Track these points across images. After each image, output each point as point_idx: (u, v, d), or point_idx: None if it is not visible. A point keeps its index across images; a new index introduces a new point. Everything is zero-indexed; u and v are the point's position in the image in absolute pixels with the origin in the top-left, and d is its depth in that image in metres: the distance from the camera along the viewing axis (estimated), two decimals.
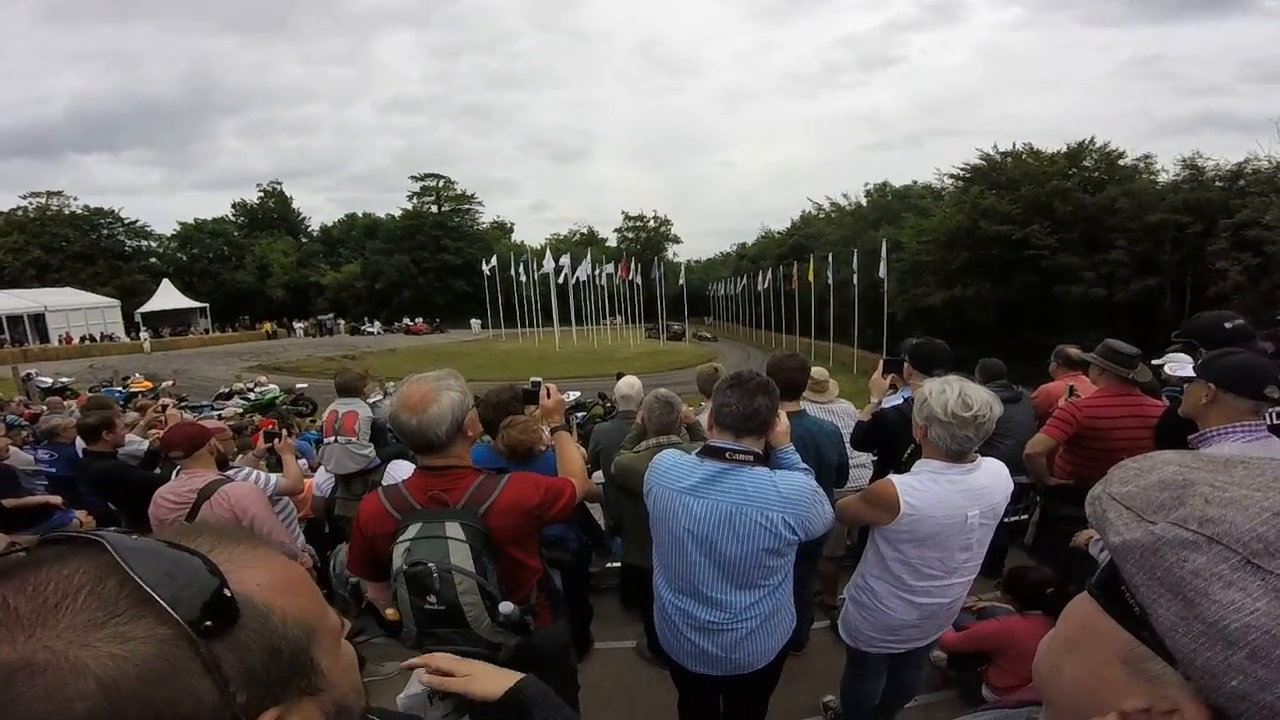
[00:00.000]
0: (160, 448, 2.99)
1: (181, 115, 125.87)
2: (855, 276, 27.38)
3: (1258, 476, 0.40)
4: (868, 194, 45.71)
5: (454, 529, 1.51)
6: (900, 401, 3.00)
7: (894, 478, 1.91)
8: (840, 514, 2.00)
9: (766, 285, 39.06)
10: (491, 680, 0.95)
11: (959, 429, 1.75)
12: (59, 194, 50.41)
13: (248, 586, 0.44)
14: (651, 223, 68.55)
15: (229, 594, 0.42)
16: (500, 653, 1.56)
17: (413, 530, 1.52)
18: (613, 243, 67.32)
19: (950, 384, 1.79)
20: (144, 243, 53.91)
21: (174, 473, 2.94)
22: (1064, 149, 28.48)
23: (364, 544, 1.65)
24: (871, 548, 2.06)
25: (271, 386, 20.13)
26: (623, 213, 70.27)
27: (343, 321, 48.88)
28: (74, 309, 36.67)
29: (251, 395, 18.36)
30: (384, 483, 3.21)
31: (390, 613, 1.57)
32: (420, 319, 49.92)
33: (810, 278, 31.37)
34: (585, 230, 69.44)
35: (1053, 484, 3.06)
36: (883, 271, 25.56)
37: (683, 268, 54.29)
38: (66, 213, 49.54)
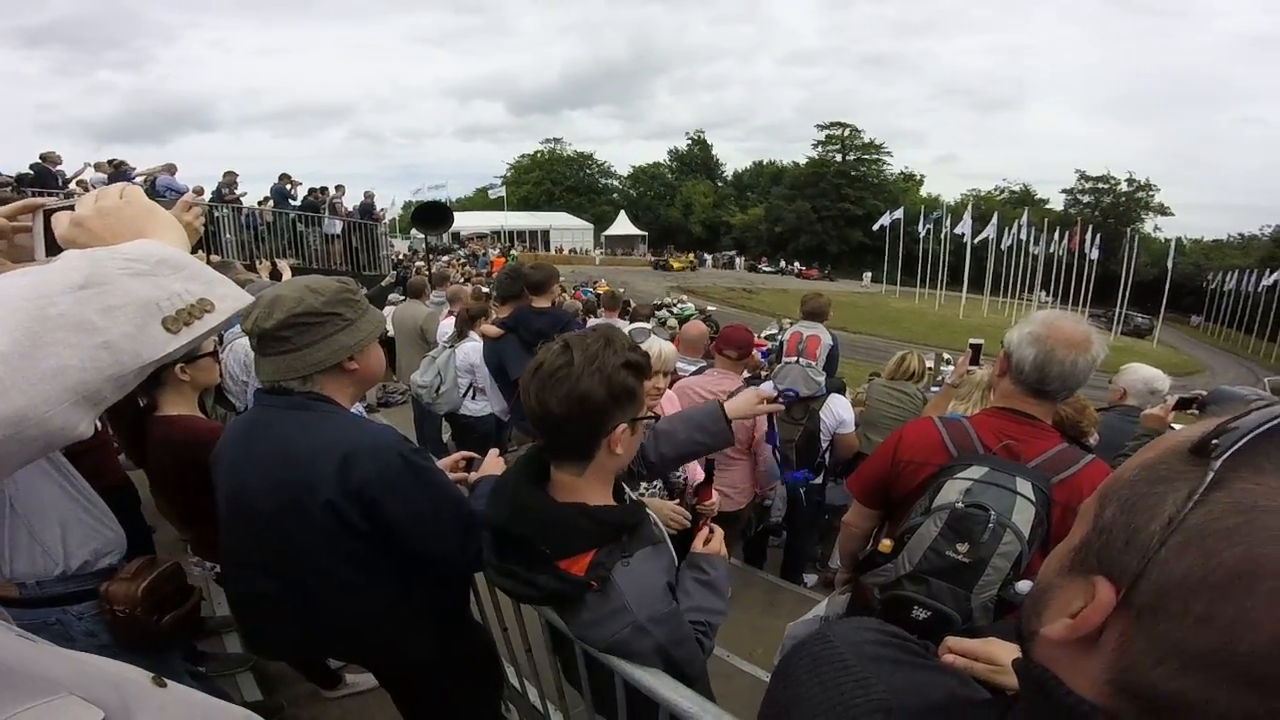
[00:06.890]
0: (719, 343, 3.41)
1: (629, 76, 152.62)
2: None
3: None
4: None
5: (1025, 486, 1.35)
6: None
7: None
8: None
9: None
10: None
11: None
12: (559, 140, 69.29)
13: None
14: (1123, 185, 52.68)
15: None
16: (951, 627, 1.34)
17: (976, 471, 1.39)
18: (1056, 205, 54.70)
19: None
20: (610, 181, 68.90)
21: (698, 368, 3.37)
22: None
23: (889, 467, 1.59)
24: None
25: (689, 305, 23.93)
26: (1077, 171, 55.06)
27: (741, 259, 52.88)
28: (565, 228, 49.34)
29: (675, 310, 22.12)
30: (823, 415, 3.50)
31: (886, 544, 1.47)
32: (810, 265, 50.61)
33: None
34: (1018, 188, 58.09)
35: None
36: None
37: (1171, 246, 38.98)
38: (565, 155, 66.96)
